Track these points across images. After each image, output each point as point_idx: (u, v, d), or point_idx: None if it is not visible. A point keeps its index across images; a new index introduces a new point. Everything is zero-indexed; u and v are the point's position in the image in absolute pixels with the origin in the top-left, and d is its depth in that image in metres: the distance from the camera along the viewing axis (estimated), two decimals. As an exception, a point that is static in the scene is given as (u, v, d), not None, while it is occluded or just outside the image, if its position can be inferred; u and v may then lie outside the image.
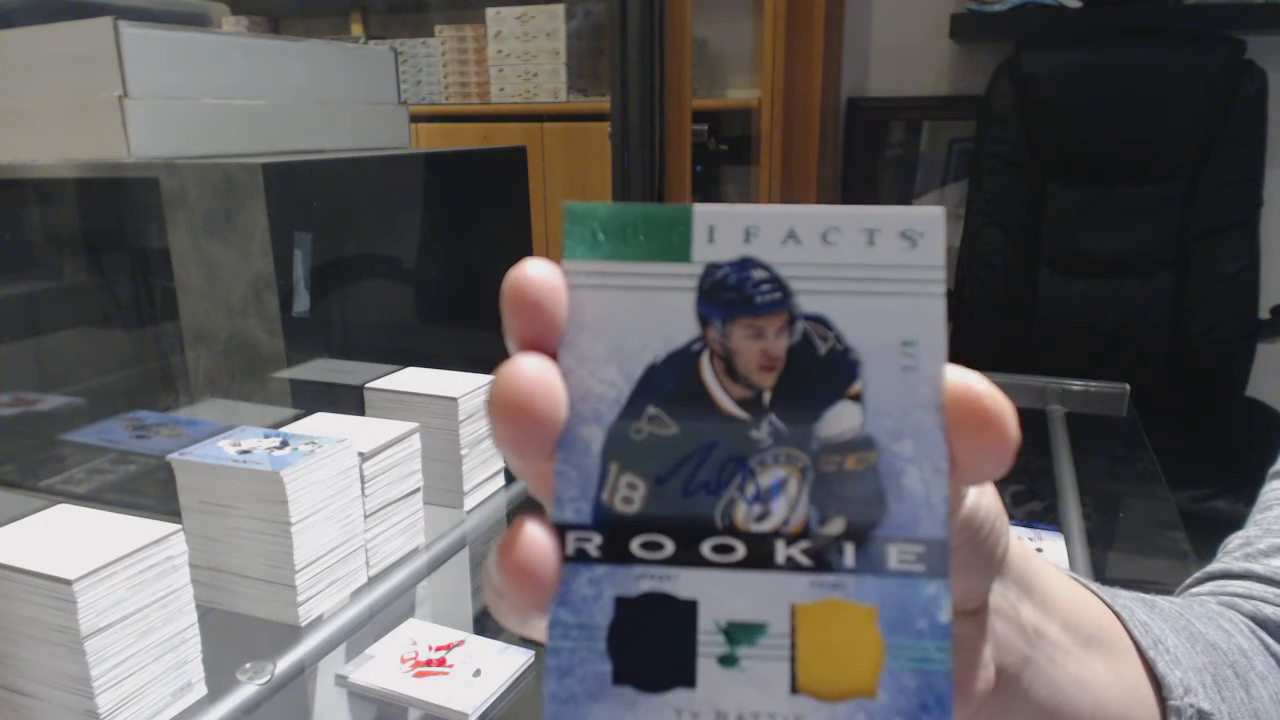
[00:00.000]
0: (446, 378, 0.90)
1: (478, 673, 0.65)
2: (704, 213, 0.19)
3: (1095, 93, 1.66)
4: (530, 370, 0.18)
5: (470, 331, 1.26)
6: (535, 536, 0.18)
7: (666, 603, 0.18)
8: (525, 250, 1.40)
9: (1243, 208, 1.63)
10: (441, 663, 0.66)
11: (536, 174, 1.39)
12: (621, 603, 0.18)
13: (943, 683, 0.18)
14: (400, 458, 0.78)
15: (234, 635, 0.68)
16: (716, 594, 0.18)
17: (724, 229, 0.19)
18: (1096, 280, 1.71)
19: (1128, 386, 1.22)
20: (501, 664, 0.66)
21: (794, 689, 0.18)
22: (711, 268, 0.19)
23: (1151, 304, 1.68)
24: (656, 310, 0.19)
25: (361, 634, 0.70)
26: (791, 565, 0.18)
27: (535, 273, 0.18)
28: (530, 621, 0.18)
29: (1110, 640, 0.32)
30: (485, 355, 0.98)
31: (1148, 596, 0.36)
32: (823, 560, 0.18)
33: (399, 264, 1.12)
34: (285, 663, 0.66)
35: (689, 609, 0.18)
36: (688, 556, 0.18)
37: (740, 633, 0.18)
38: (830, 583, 0.18)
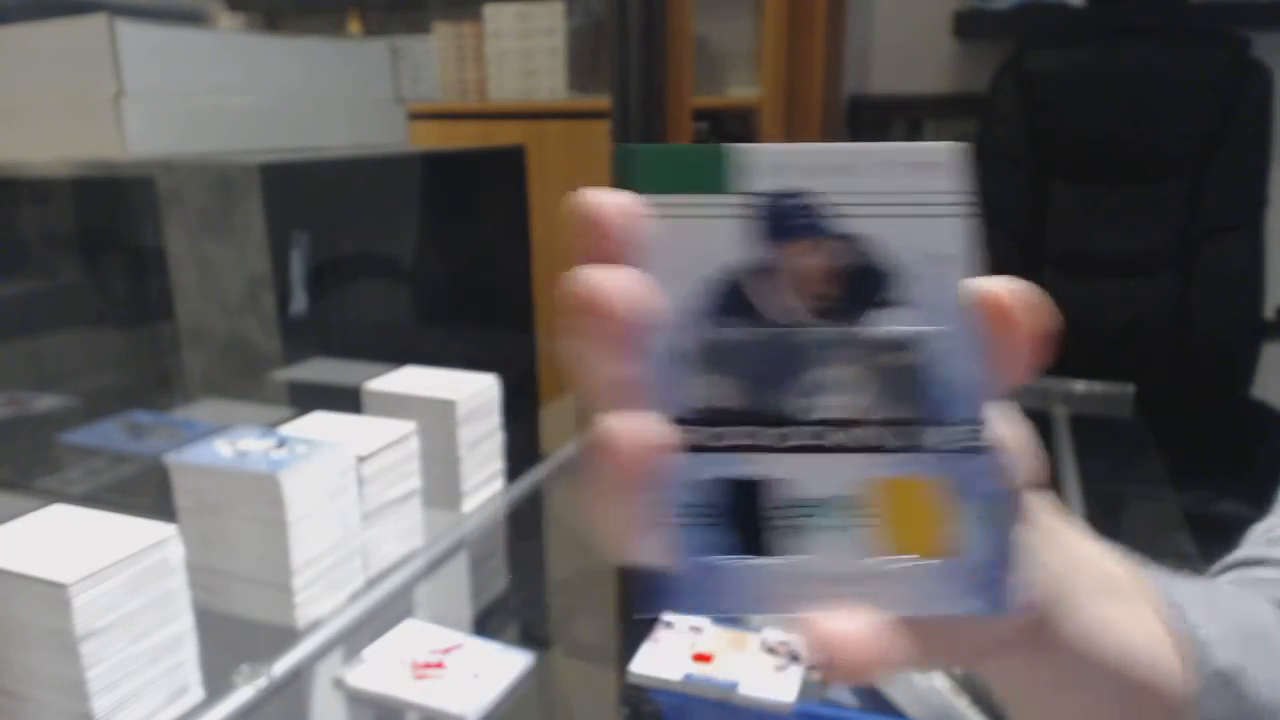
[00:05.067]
0: (444, 377, 0.89)
1: (476, 675, 0.64)
2: (759, 150, 0.22)
3: (1099, 91, 1.65)
4: (620, 278, 0.20)
5: (468, 331, 1.25)
6: (637, 430, 0.20)
7: (757, 484, 0.21)
8: (524, 250, 1.39)
9: (1247, 207, 1.62)
10: (440, 665, 0.65)
11: (535, 172, 1.38)
12: (718, 485, 0.21)
13: (1003, 539, 0.21)
14: (398, 459, 0.77)
15: (231, 638, 0.68)
16: (800, 475, 0.21)
17: (778, 164, 0.22)
18: (1100, 280, 1.70)
19: (1133, 387, 1.21)
20: (500, 666, 0.65)
21: (872, 553, 0.21)
22: (772, 196, 0.22)
23: (1156, 304, 1.67)
24: (724, 235, 0.21)
25: (359, 636, 0.70)
26: (863, 447, 0.21)
27: (612, 201, 0.21)
28: (626, 524, 0.21)
29: (1132, 591, 0.32)
30: (483, 355, 0.98)
31: (1168, 571, 0.37)
32: (889, 442, 0.21)
33: (396, 263, 1.12)
34: (282, 665, 0.65)
35: (776, 488, 0.21)
36: (773, 444, 0.21)
37: (822, 507, 0.21)
38: (898, 461, 0.21)
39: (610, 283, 0.20)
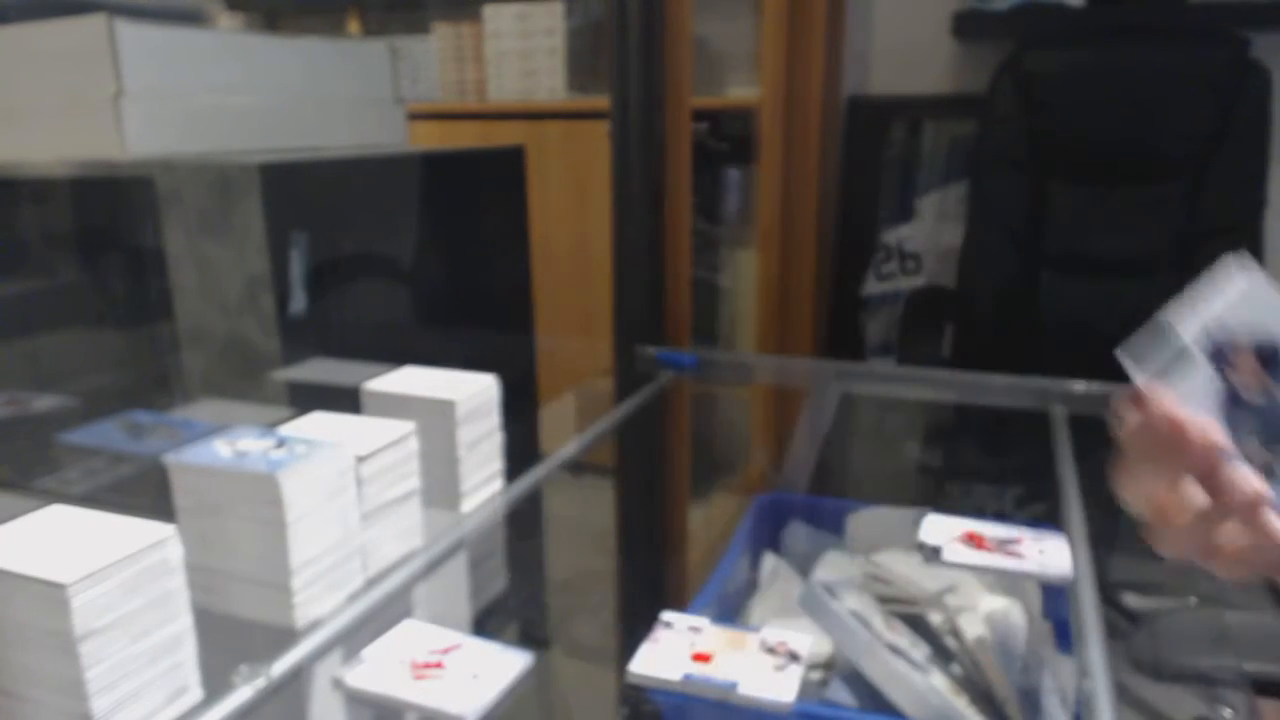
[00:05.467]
0: (444, 378, 0.89)
1: (476, 675, 0.64)
2: (1180, 320, 0.45)
3: (1098, 92, 1.65)
4: (1189, 417, 0.44)
5: (468, 331, 1.25)
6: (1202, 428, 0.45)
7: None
8: (523, 250, 1.39)
9: (1247, 208, 1.62)
10: (439, 665, 0.65)
11: (535, 173, 1.38)
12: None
13: None
14: (397, 459, 0.77)
15: (229, 638, 0.68)
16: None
17: (1195, 319, 0.44)
18: (1098, 281, 1.70)
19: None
20: (499, 667, 0.65)
21: None
22: (1207, 338, 0.42)
23: (1154, 305, 1.66)
24: (1201, 369, 0.43)
25: (358, 637, 0.70)
26: None
27: (1141, 388, 0.46)
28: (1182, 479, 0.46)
29: None
30: (483, 355, 0.98)
31: None
32: None
33: (396, 264, 1.12)
34: (281, 666, 0.65)
35: None
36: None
37: None
38: None
39: (1188, 420, 0.43)
